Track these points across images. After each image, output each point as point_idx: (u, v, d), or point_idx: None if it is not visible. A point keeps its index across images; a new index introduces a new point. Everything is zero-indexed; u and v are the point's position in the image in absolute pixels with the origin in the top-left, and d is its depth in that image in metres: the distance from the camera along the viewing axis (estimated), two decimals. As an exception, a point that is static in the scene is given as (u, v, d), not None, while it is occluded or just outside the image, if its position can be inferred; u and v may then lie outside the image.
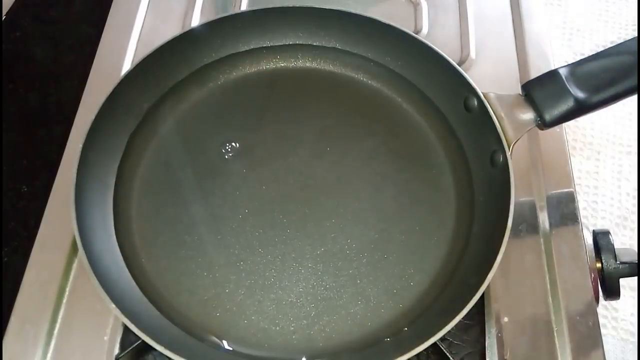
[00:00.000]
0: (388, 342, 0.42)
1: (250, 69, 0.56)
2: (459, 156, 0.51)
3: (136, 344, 0.42)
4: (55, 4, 0.65)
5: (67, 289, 0.46)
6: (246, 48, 0.55)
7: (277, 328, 0.43)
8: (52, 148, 0.53)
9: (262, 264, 0.46)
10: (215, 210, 0.48)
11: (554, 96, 0.45)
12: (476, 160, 0.49)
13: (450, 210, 0.48)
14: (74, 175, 0.43)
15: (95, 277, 0.40)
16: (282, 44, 0.56)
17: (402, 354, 0.38)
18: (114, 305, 0.39)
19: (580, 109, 0.45)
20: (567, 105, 0.45)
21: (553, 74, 0.46)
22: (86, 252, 0.41)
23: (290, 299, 0.44)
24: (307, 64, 0.56)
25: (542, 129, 0.47)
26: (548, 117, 0.45)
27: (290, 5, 0.54)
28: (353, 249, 0.46)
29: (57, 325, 0.44)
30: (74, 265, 0.47)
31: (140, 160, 0.50)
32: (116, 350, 0.43)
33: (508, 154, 0.45)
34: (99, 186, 0.47)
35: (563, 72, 0.46)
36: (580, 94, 0.45)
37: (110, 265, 0.44)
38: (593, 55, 0.47)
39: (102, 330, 0.44)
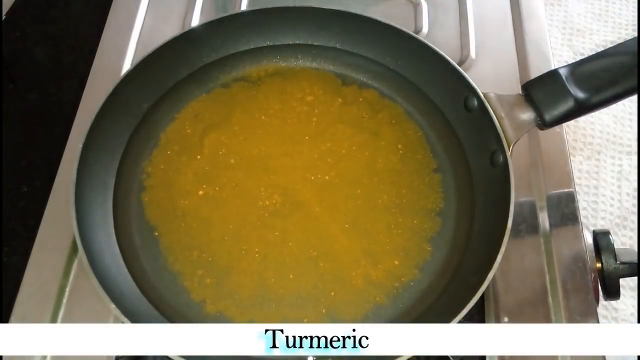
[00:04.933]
0: None
1: (250, 68, 0.56)
2: (459, 156, 0.51)
3: (136, 344, 0.42)
4: (55, 4, 0.65)
5: (67, 289, 0.46)
6: (246, 48, 0.55)
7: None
8: (52, 148, 0.53)
9: (262, 265, 0.46)
10: (215, 210, 0.48)
11: (554, 96, 0.45)
12: (476, 160, 0.49)
13: (450, 210, 0.48)
14: (74, 175, 0.43)
15: (95, 277, 0.40)
16: (281, 43, 0.56)
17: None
18: (113, 305, 0.39)
19: (580, 109, 0.45)
20: (567, 105, 0.45)
21: (553, 74, 0.46)
22: (86, 252, 0.41)
23: (290, 300, 0.44)
24: (307, 64, 0.56)
25: (542, 129, 0.47)
26: (548, 117, 0.45)
27: (290, 5, 0.54)
28: (353, 249, 0.46)
29: (57, 325, 0.45)
30: (74, 265, 0.47)
31: (140, 160, 0.50)
32: (116, 350, 0.43)
33: (508, 154, 0.45)
34: (99, 186, 0.47)
35: (563, 72, 0.46)
36: (580, 94, 0.45)
37: (110, 265, 0.44)
38: (593, 55, 0.47)
39: (102, 330, 0.44)
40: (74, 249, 0.47)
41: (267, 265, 0.46)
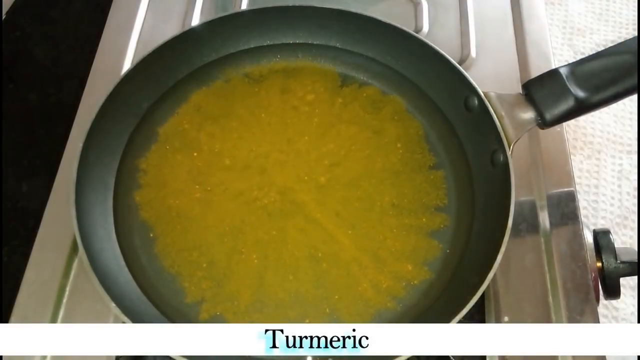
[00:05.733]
0: None
1: (250, 67, 0.55)
2: (459, 156, 0.51)
3: (136, 343, 0.42)
4: (55, 4, 0.65)
5: (67, 289, 0.46)
6: (246, 47, 0.55)
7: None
8: (52, 148, 0.53)
9: (262, 266, 0.46)
10: (211, 211, 0.48)
11: (554, 95, 0.45)
12: (477, 160, 0.49)
13: (450, 210, 0.48)
14: (75, 174, 0.43)
15: (95, 276, 0.40)
16: (281, 42, 0.56)
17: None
18: (114, 304, 0.39)
19: (581, 108, 0.45)
20: (567, 104, 0.45)
21: (553, 73, 0.46)
22: (86, 251, 0.41)
23: (290, 299, 0.44)
24: (307, 63, 0.56)
25: (542, 128, 0.47)
26: (548, 116, 0.45)
27: (290, 4, 0.54)
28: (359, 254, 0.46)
29: (57, 325, 0.44)
30: (74, 265, 0.47)
31: (140, 160, 0.50)
32: (116, 350, 0.43)
33: (508, 153, 0.45)
34: (99, 185, 0.47)
35: (563, 71, 0.45)
36: (580, 93, 0.45)
37: (110, 264, 0.44)
38: (593, 54, 0.47)
39: (102, 330, 0.44)
40: (74, 249, 0.47)
41: (266, 266, 0.46)
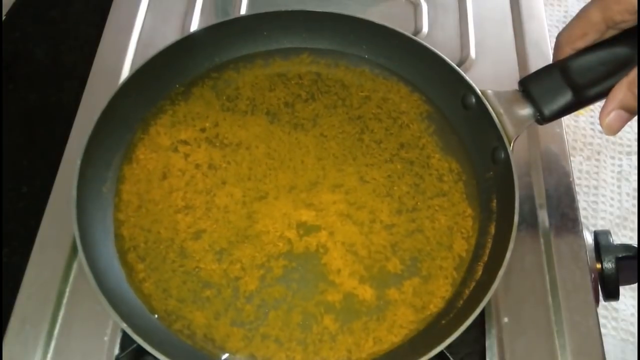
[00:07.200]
0: (404, 344, 0.42)
1: (245, 73, 0.55)
2: (460, 155, 0.50)
3: (136, 344, 0.42)
4: (55, 4, 0.65)
5: (67, 290, 0.46)
6: (240, 54, 0.55)
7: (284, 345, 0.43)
8: (53, 148, 0.53)
9: (267, 282, 0.45)
10: (215, 220, 0.47)
11: (551, 90, 0.45)
12: (478, 159, 0.49)
13: (454, 210, 0.48)
14: (74, 192, 0.43)
15: (102, 296, 0.39)
16: (277, 47, 0.55)
17: (420, 355, 0.38)
18: (125, 324, 0.38)
19: (579, 102, 0.44)
20: (565, 98, 0.44)
21: (549, 69, 0.46)
22: (92, 271, 0.40)
23: (295, 318, 0.43)
24: (304, 67, 0.56)
25: (541, 124, 0.46)
26: (547, 111, 0.45)
27: (288, 9, 0.53)
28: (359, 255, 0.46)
29: (57, 326, 0.44)
30: (74, 266, 0.47)
31: (139, 171, 0.49)
32: (116, 351, 0.43)
33: (509, 150, 0.45)
34: (99, 201, 0.47)
35: (559, 66, 0.45)
36: (577, 87, 0.44)
37: (116, 281, 0.44)
38: (589, 47, 0.46)
39: (102, 330, 0.44)
40: (74, 250, 0.47)
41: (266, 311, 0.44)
